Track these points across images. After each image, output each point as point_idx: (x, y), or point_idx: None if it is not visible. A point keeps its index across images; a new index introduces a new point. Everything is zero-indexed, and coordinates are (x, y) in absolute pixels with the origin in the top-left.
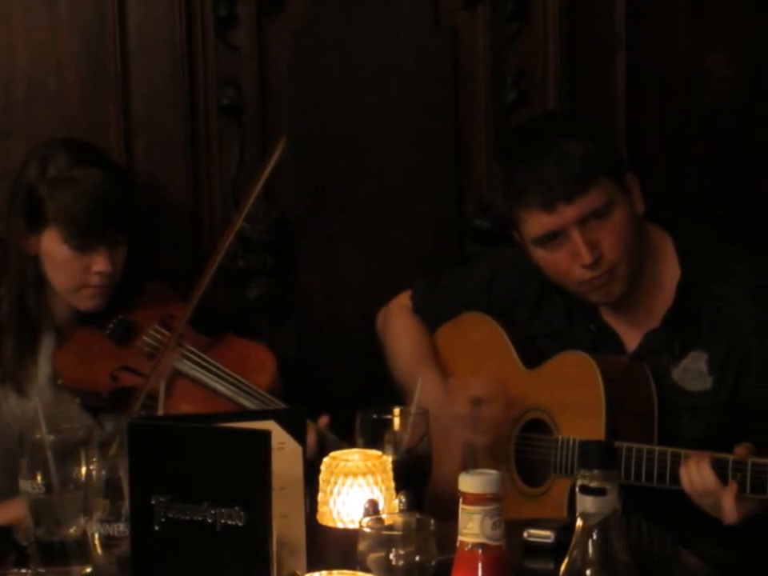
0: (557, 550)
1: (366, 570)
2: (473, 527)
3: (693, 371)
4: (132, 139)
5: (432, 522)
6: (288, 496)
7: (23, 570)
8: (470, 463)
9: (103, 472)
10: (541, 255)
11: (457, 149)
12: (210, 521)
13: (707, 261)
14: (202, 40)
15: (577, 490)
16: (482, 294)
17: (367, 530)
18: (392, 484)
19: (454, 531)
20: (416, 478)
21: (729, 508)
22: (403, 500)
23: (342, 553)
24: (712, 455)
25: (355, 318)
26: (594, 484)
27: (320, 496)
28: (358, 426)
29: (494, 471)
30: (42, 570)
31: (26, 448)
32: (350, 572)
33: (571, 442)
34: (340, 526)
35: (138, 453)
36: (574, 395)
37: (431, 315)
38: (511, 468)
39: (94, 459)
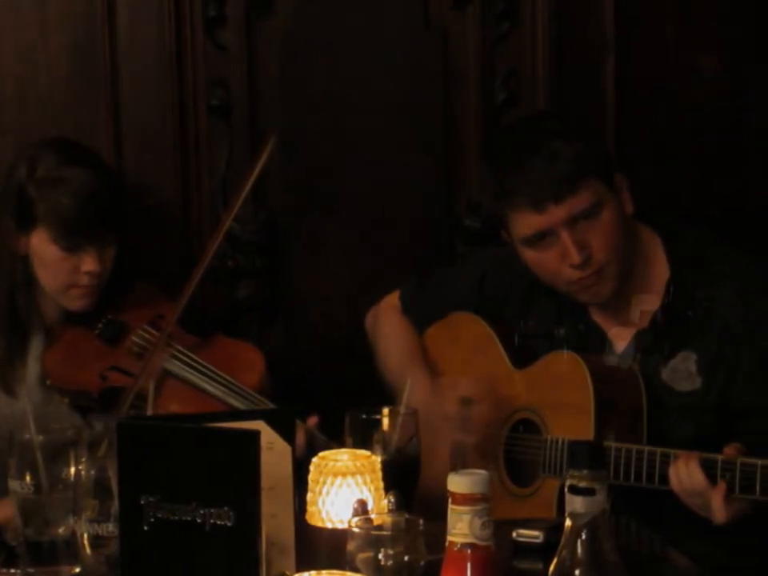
0: (546, 550)
1: (354, 569)
2: (462, 527)
3: (682, 371)
4: (121, 139)
5: (421, 522)
6: (277, 496)
7: (12, 570)
8: (459, 463)
9: (92, 472)
10: (530, 255)
11: (446, 149)
12: (199, 521)
13: (697, 261)
14: (191, 40)
15: (566, 490)
16: (471, 294)
17: (356, 529)
18: (381, 484)
19: (443, 531)
20: (405, 478)
21: (718, 508)
22: (392, 500)
23: (331, 553)
24: (701, 455)
25: (344, 318)
26: (582, 484)
27: (309, 496)
28: (347, 426)
29: (482, 471)
30: (30, 570)
31: (16, 448)
32: (339, 572)
33: (560, 442)
34: (329, 525)
35: (127, 453)
36: (563, 395)
37: (420, 315)
38: (500, 468)
39: (83, 459)
